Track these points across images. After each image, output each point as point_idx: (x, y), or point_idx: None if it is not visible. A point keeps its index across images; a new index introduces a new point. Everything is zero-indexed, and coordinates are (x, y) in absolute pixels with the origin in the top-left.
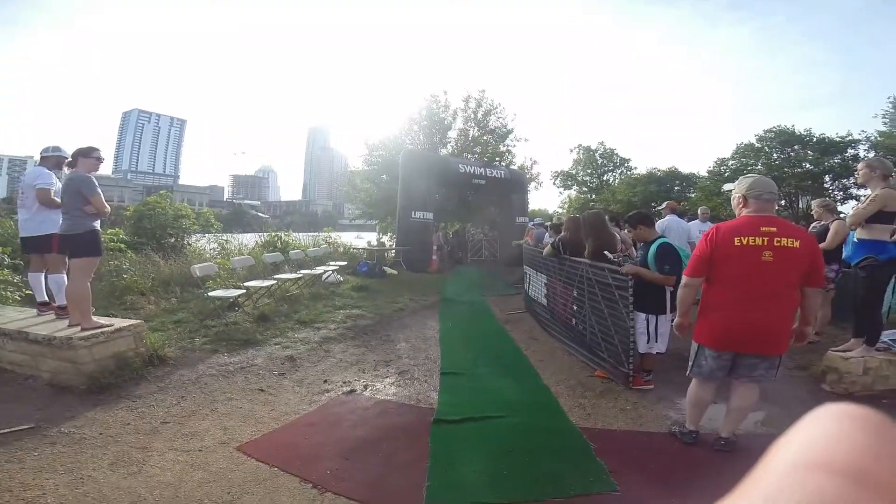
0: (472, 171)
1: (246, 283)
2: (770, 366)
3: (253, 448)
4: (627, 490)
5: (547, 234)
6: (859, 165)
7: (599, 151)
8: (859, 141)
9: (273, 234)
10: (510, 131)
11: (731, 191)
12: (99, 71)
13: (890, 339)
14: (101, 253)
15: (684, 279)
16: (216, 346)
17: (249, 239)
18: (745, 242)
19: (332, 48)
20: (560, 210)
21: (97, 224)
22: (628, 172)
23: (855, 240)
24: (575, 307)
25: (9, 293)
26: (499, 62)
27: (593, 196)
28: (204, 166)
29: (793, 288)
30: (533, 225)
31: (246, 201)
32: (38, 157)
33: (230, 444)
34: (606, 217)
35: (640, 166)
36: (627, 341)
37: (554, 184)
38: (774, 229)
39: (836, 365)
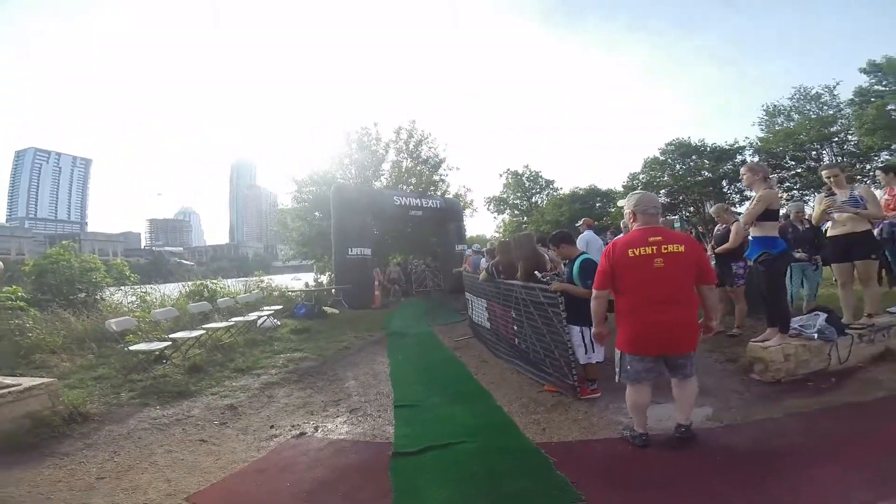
0: (407, 202)
1: (172, 335)
2: (689, 361)
3: (203, 498)
4: (592, 499)
5: (483, 259)
6: (741, 171)
7: (526, 175)
8: (744, 147)
9: (199, 282)
10: (442, 160)
11: (623, 207)
12: None
13: (800, 325)
14: None
15: (593, 292)
16: (146, 400)
17: (173, 289)
18: (637, 253)
19: (253, 77)
20: (496, 234)
21: None
22: (554, 193)
23: (750, 238)
24: (515, 327)
25: None
26: (423, 91)
27: (525, 218)
28: (116, 211)
29: (688, 288)
30: (470, 252)
31: (167, 248)
32: None
33: (177, 496)
34: (535, 238)
35: (564, 186)
36: (568, 354)
37: (488, 209)
38: (660, 238)
39: (759, 355)
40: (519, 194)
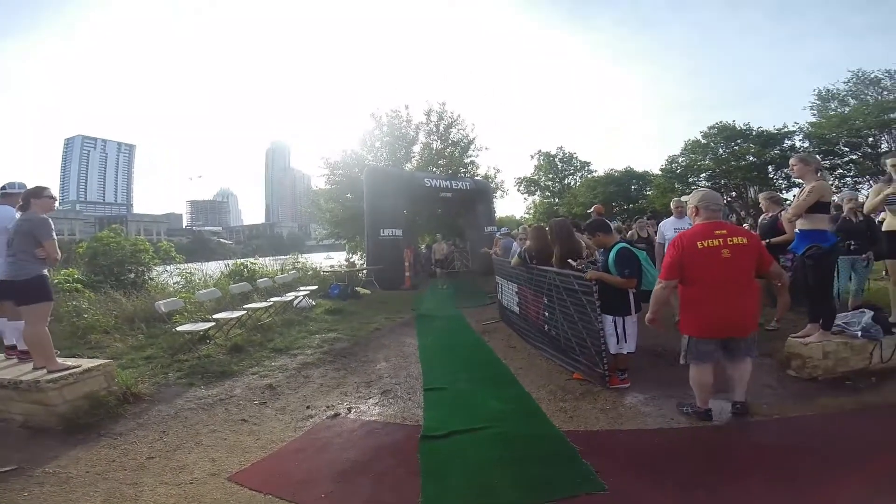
0: (438, 184)
1: (215, 315)
2: (750, 342)
3: (245, 477)
4: (616, 489)
5: (515, 243)
6: (791, 161)
7: (559, 156)
8: (794, 132)
9: (239, 262)
10: (472, 141)
11: (686, 202)
12: (31, 96)
13: (843, 323)
14: (52, 297)
15: (660, 282)
16: (191, 380)
17: (214, 268)
18: (706, 245)
19: (286, 62)
20: (526, 216)
21: (45, 269)
22: (588, 175)
23: (797, 231)
24: (547, 314)
25: None
26: (453, 71)
27: (556, 200)
28: (158, 193)
29: (751, 277)
30: (500, 235)
31: (207, 228)
32: None
33: (220, 476)
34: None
35: (599, 168)
36: (599, 343)
37: (518, 190)
38: (725, 231)
39: (798, 351)
40: (551, 176)
